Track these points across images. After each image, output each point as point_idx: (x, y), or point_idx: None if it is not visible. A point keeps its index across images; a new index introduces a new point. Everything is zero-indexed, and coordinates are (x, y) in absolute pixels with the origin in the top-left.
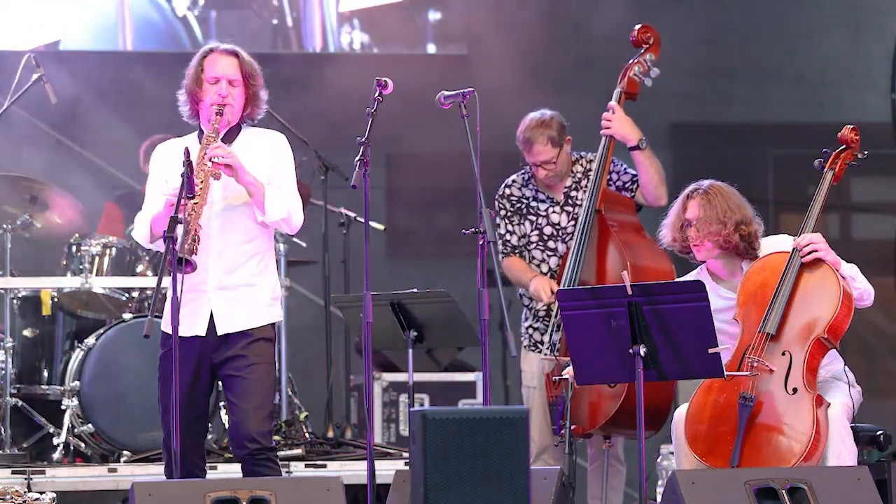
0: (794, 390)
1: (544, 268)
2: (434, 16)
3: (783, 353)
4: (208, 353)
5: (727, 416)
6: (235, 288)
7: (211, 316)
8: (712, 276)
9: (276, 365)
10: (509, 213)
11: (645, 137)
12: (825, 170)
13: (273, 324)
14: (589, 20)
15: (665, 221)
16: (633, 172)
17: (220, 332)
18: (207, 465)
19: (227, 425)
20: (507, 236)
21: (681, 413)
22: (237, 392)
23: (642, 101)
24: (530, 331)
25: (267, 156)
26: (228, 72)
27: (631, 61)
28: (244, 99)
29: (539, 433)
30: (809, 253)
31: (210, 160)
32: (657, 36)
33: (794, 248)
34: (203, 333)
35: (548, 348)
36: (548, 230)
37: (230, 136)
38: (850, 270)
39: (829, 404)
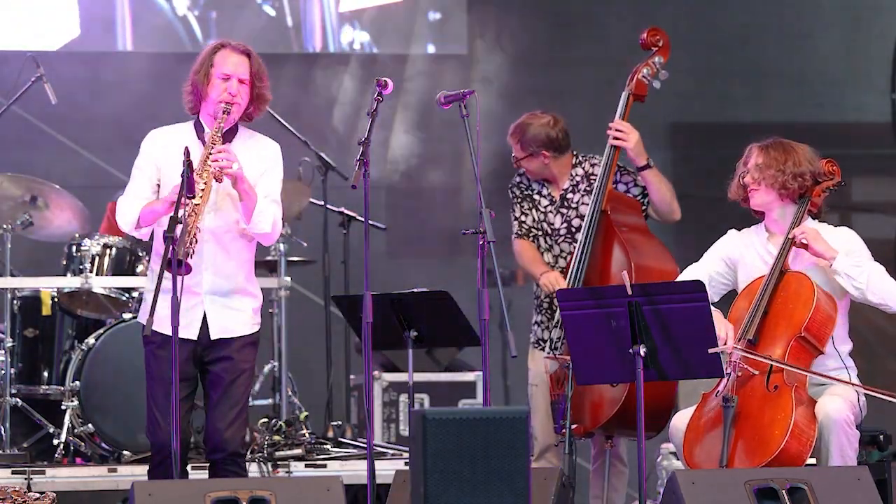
0: (776, 387)
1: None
2: (434, 16)
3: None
4: (199, 352)
5: (716, 423)
6: (229, 294)
7: (204, 319)
8: (767, 232)
9: (276, 364)
10: (520, 199)
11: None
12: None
13: (259, 330)
14: (590, 20)
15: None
16: (643, 185)
17: (213, 336)
18: (208, 465)
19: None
20: (522, 217)
21: (678, 421)
22: (219, 395)
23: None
24: (535, 327)
25: (259, 162)
26: (239, 70)
27: (640, 63)
28: (249, 98)
29: (542, 432)
30: (802, 243)
31: (214, 160)
32: (666, 39)
33: (785, 239)
34: (195, 338)
35: (552, 347)
36: (545, 227)
37: (228, 136)
38: (849, 264)
39: (816, 401)
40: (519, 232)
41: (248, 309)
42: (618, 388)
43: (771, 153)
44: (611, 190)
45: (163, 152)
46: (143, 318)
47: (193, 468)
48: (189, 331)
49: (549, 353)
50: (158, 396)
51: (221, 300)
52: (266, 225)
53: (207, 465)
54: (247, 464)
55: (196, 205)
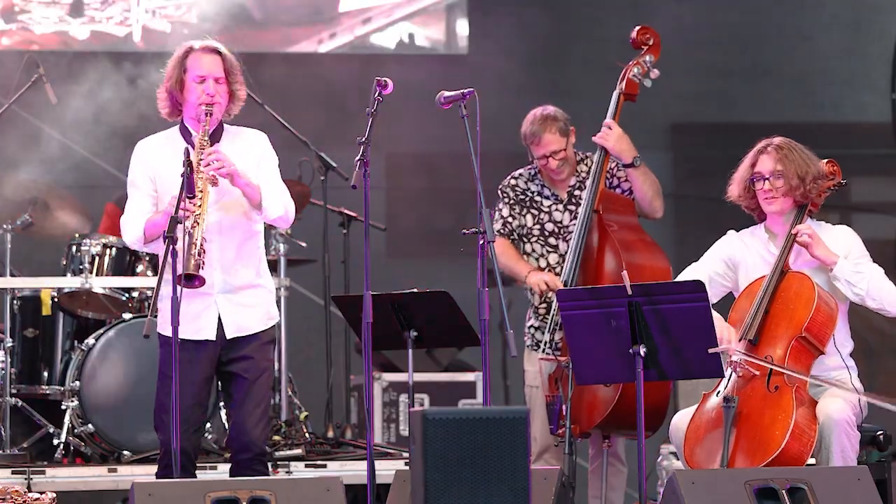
0: (776, 388)
1: (542, 262)
2: (434, 16)
3: (765, 357)
4: (218, 353)
5: (717, 423)
6: (240, 291)
7: (219, 319)
8: (768, 234)
9: (276, 365)
10: (511, 202)
11: (639, 155)
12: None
13: (276, 324)
14: (590, 20)
15: (734, 176)
16: None
17: (229, 336)
18: (208, 465)
19: (226, 425)
20: (509, 218)
21: (678, 421)
22: (243, 395)
23: (643, 100)
24: (532, 330)
25: (250, 154)
26: (213, 70)
27: (630, 62)
28: (227, 96)
29: (541, 433)
30: (804, 243)
31: (206, 165)
32: (657, 37)
33: (787, 236)
34: (213, 338)
35: (549, 346)
36: (549, 227)
37: (214, 136)
38: (849, 270)
39: (817, 402)
40: (501, 231)
41: (261, 304)
42: (610, 388)
43: (788, 157)
44: (603, 189)
45: (154, 161)
46: (161, 326)
47: (210, 467)
48: (207, 332)
49: (544, 353)
50: (181, 397)
51: (234, 298)
52: (277, 209)
53: (215, 466)
54: None
55: (197, 214)
